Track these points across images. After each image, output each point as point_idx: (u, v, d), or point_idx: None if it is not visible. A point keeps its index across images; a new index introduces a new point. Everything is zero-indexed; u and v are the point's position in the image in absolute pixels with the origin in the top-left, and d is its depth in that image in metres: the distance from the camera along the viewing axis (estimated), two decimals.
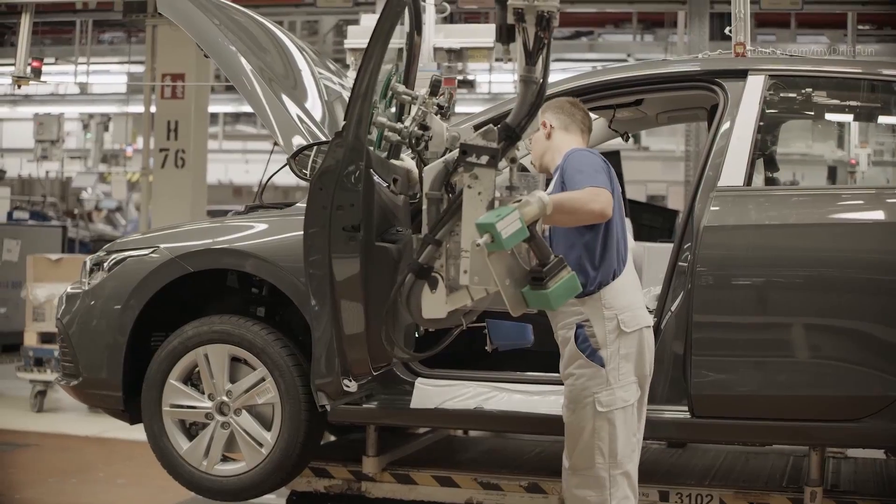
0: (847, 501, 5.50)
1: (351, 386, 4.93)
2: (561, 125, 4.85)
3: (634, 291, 4.79)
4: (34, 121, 25.56)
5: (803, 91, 5.62)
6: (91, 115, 26.30)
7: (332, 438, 7.17)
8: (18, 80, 10.53)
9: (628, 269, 4.78)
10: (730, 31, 5.90)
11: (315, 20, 17.93)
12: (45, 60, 13.79)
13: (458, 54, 9.42)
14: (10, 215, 14.58)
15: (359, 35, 9.70)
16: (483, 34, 9.51)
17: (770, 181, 6.25)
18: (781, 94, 5.62)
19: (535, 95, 4.24)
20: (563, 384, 4.91)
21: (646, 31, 17.96)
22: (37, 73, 10.93)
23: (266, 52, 5.93)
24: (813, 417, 5.04)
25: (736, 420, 5.12)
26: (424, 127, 4.96)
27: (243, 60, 5.62)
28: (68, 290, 6.09)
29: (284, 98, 5.58)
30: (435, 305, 4.34)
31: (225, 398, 5.61)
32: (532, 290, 4.19)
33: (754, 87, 5.33)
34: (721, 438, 5.79)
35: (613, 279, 4.67)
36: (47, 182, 25.13)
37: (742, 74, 5.38)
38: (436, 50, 9.22)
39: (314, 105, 5.82)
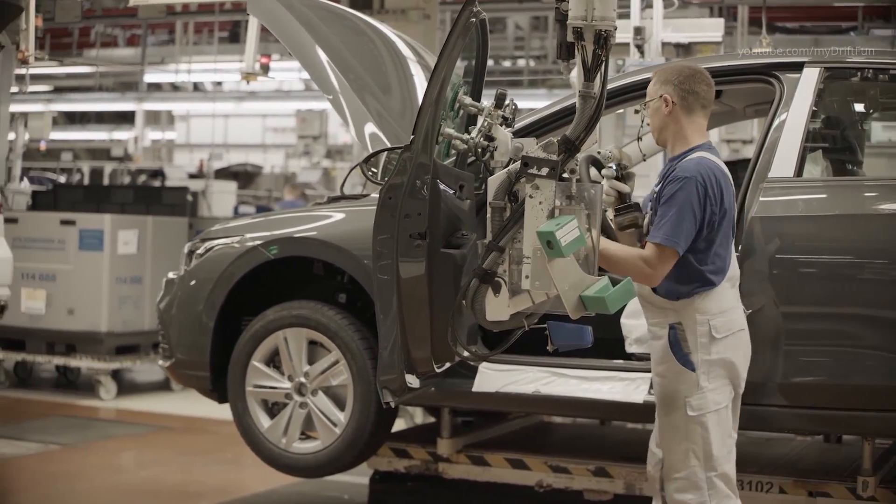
0: None
1: (414, 382, 5.12)
2: (683, 105, 4.65)
3: (732, 296, 4.70)
4: (296, 117, 26.06)
5: (860, 83, 5.62)
6: None
7: (432, 420, 7.41)
8: (247, 76, 10.94)
9: (729, 277, 4.69)
10: None
11: None
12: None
13: (686, 49, 9.30)
14: (235, 210, 14.89)
15: None
16: (711, 28, 9.29)
17: (846, 173, 6.19)
18: (836, 86, 5.63)
19: (593, 109, 4.36)
20: (623, 371, 5.09)
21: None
22: (264, 69, 11.34)
23: (362, 55, 6.07)
24: (863, 407, 5.07)
25: (783, 408, 5.16)
26: (490, 138, 5.06)
27: (325, 58, 5.80)
28: (168, 275, 6.49)
29: (369, 100, 5.69)
30: (498, 308, 4.50)
31: (303, 379, 5.93)
32: (590, 294, 4.34)
33: (809, 79, 5.36)
34: (768, 427, 5.80)
35: (711, 286, 4.60)
36: (272, 177, 25.84)
37: (798, 67, 5.41)
38: (664, 44, 9.11)
39: (406, 107, 5.97)
